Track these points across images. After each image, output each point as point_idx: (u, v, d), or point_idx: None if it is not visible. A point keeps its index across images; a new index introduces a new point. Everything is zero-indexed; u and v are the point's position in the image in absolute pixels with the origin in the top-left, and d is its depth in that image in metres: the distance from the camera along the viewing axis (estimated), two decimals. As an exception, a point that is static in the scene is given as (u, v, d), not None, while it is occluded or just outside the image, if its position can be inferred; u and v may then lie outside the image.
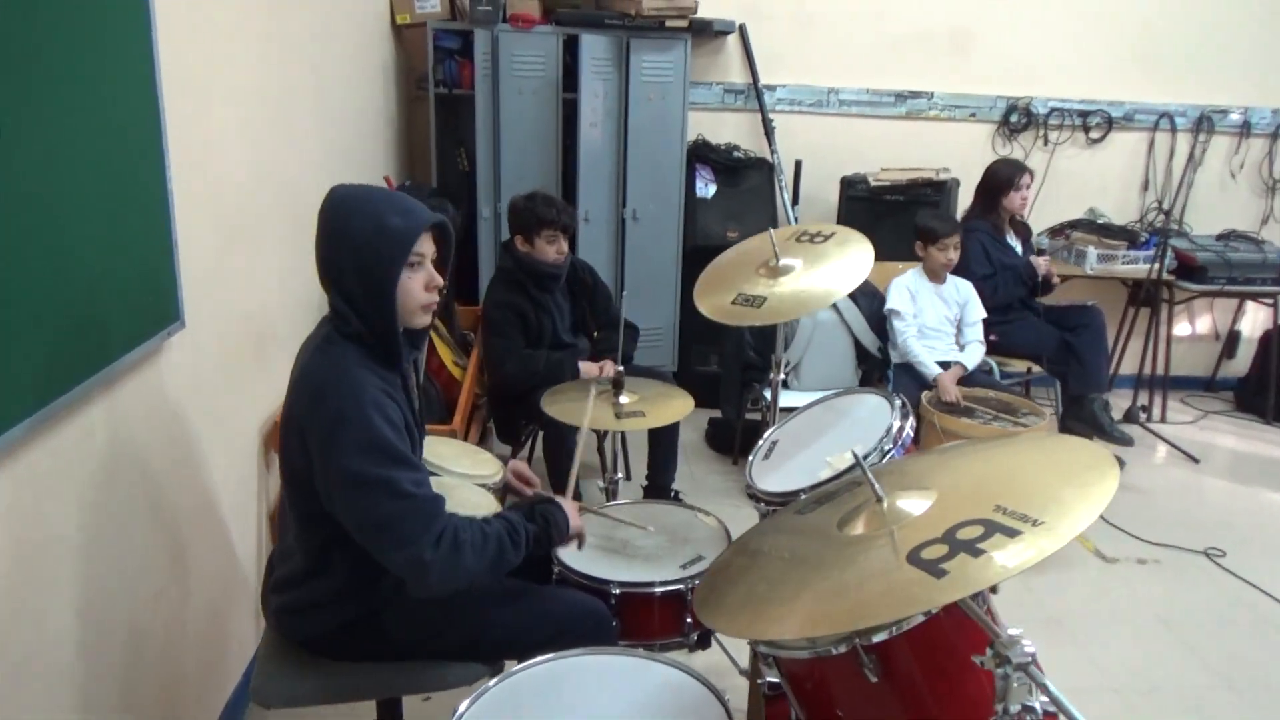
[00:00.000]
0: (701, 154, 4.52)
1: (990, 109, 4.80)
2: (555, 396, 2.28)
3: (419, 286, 1.66)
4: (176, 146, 1.81)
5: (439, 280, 1.72)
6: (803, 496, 1.58)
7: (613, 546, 1.96)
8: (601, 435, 3.43)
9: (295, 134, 2.68)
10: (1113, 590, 3.16)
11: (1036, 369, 4.13)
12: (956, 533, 1.02)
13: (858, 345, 3.76)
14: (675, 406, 2.22)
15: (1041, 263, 4.01)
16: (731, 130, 4.69)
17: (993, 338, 4.00)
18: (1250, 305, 5.07)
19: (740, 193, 4.56)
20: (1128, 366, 4.98)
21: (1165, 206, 4.94)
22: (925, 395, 3.39)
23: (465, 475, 1.82)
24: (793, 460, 1.93)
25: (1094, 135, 4.87)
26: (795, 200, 4.61)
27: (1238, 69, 4.82)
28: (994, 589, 1.62)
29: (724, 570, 1.25)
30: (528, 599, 1.73)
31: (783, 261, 2.16)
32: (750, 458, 1.98)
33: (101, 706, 1.59)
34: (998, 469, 1.17)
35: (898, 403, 1.87)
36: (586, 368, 3.22)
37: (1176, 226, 4.95)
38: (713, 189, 4.52)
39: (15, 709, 1.35)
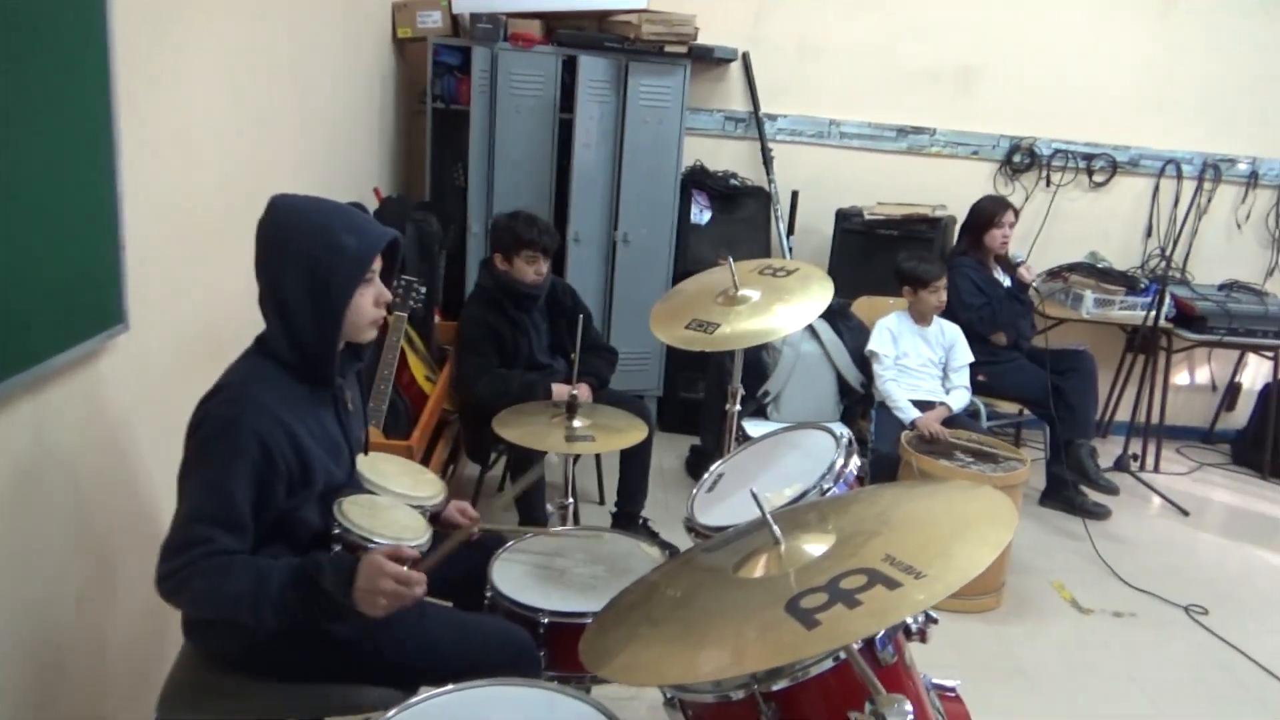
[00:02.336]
0: (698, 180, 4.51)
1: (993, 148, 4.77)
2: (509, 418, 2.26)
3: (369, 303, 1.66)
4: (133, 142, 1.80)
5: (388, 295, 1.71)
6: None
7: (549, 574, 1.93)
8: (572, 459, 3.40)
9: (276, 139, 2.68)
10: (1085, 643, 3.08)
11: (1028, 412, 4.08)
12: (841, 581, 0.98)
13: (841, 379, 3.71)
14: (628, 434, 2.19)
15: (1024, 272, 3.97)
16: (730, 158, 4.67)
17: (981, 378, 3.95)
18: (1252, 357, 4.98)
19: (735, 221, 4.54)
20: (1123, 413, 4.90)
21: (1167, 253, 4.87)
22: (905, 435, 3.35)
23: (404, 494, 1.79)
24: (736, 495, 1.90)
25: (1098, 179, 4.82)
26: (791, 231, 4.59)
27: (1247, 118, 4.76)
28: (923, 637, 1.57)
29: (616, 608, 1.21)
30: (449, 624, 1.70)
31: (741, 292, 2.13)
32: (694, 490, 1.94)
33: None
34: (902, 516, 1.13)
35: (844, 440, 1.83)
36: (559, 390, 3.19)
37: (1178, 275, 4.89)
38: (708, 215, 4.51)
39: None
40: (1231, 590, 3.51)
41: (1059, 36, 4.62)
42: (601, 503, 3.65)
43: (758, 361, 3.69)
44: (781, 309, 2.07)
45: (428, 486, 1.86)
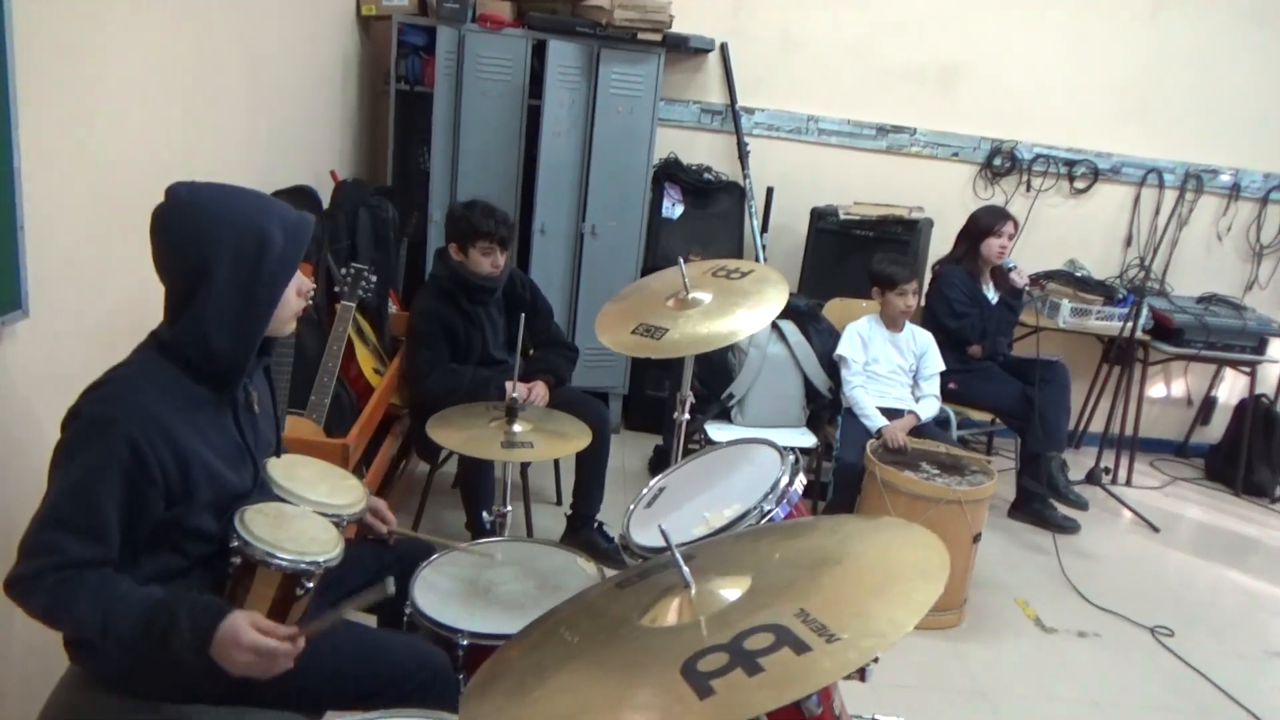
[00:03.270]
0: (671, 173, 4.38)
1: (974, 150, 4.66)
2: (446, 422, 2.13)
3: (293, 295, 1.54)
4: (36, 119, 1.66)
5: (310, 284, 1.59)
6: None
7: (474, 589, 1.81)
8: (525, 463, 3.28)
9: (216, 118, 2.54)
10: (1046, 664, 2.99)
11: (1000, 421, 3.99)
12: (745, 640, 0.86)
13: (808, 384, 3.60)
14: (571, 440, 2.07)
15: (1016, 277, 3.85)
16: (705, 151, 4.55)
17: (952, 386, 3.86)
18: (1228, 371, 4.91)
19: (708, 216, 4.42)
20: (1097, 425, 4.83)
21: (1147, 264, 4.79)
22: (870, 444, 3.24)
23: (318, 503, 1.66)
24: (676, 512, 1.78)
25: (1079, 185, 4.73)
26: (765, 228, 4.47)
27: (1231, 128, 4.68)
28: (862, 676, 1.46)
29: (508, 653, 1.09)
30: (359, 643, 1.58)
31: (693, 295, 2.01)
32: (631, 505, 1.82)
33: None
34: (822, 560, 1.01)
35: (790, 459, 1.72)
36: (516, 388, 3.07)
37: (1157, 286, 4.81)
38: (680, 210, 4.38)
39: None
40: (1199, 611, 3.44)
41: (1043, 38, 4.52)
42: (558, 503, 3.53)
43: (723, 363, 3.58)
44: (735, 313, 1.95)
45: (347, 493, 1.73)
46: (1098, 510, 4.18)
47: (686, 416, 2.24)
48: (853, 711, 1.75)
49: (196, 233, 1.45)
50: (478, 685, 1.02)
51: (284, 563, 1.46)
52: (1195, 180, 4.74)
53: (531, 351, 3.30)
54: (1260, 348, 4.52)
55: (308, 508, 1.64)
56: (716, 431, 3.43)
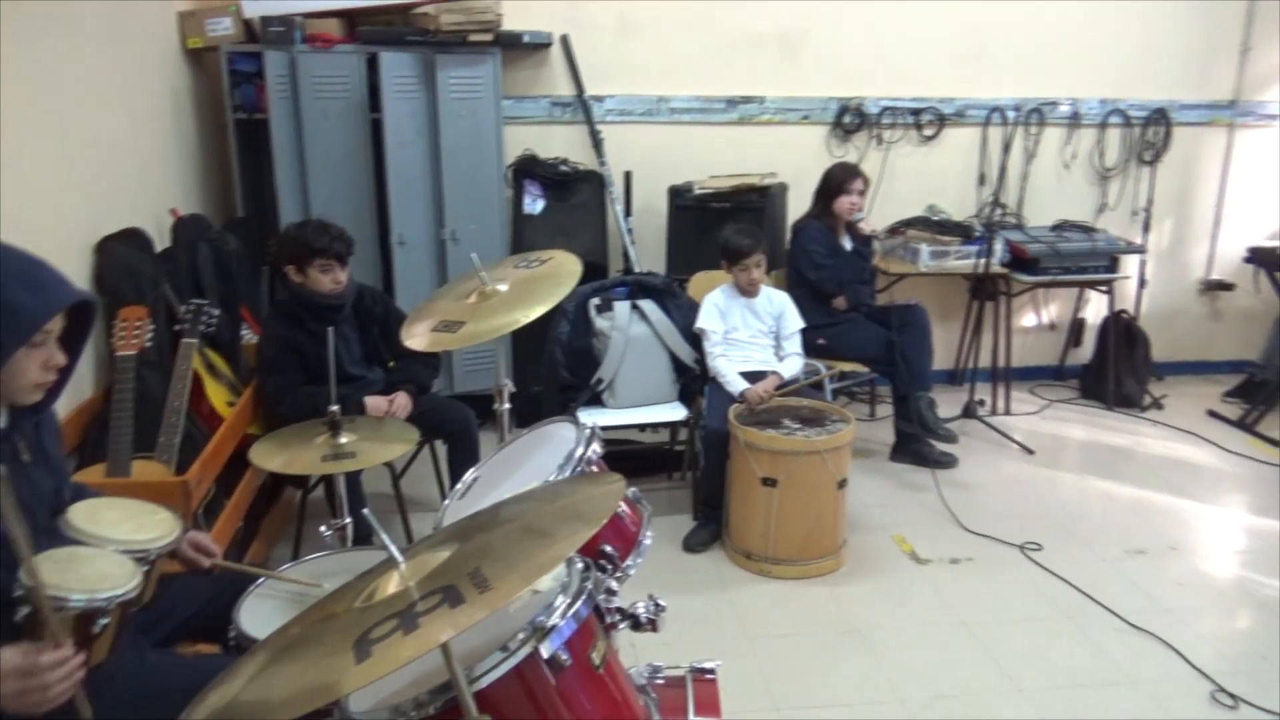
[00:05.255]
0: (529, 169, 4.42)
1: (823, 111, 4.79)
2: (267, 447, 2.15)
3: (36, 365, 1.54)
4: None
5: (60, 359, 1.58)
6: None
7: (304, 605, 1.84)
8: (396, 473, 3.31)
9: (20, 178, 2.49)
10: (920, 594, 3.13)
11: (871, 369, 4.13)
12: (419, 604, 0.92)
13: (675, 359, 3.69)
14: (395, 445, 2.11)
15: (864, 226, 4.05)
16: (562, 143, 4.60)
17: (821, 341, 3.98)
18: (1091, 293, 5.12)
19: (571, 207, 4.47)
20: (984, 361, 5.00)
21: (1000, 200, 4.98)
22: (732, 409, 3.34)
23: (120, 541, 1.68)
24: (488, 498, 1.84)
25: (927, 133, 4.89)
26: (629, 212, 4.54)
27: (1063, 61, 4.87)
28: (654, 627, 1.54)
29: (261, 649, 1.13)
30: (160, 669, 1.60)
31: (491, 287, 2.07)
32: (445, 500, 1.88)
33: None
34: (521, 517, 1.08)
35: (586, 431, 1.79)
36: (374, 403, 3.10)
37: (1014, 220, 5.00)
38: (542, 204, 4.43)
39: None
40: (1067, 523, 3.61)
41: (874, -5, 4.65)
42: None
43: (587, 350, 3.64)
44: (530, 297, 2.02)
45: (154, 528, 1.75)
46: (978, 441, 4.35)
47: (507, 406, 2.30)
48: (689, 662, 1.80)
49: None
50: (210, 688, 1.07)
51: (75, 603, 1.48)
52: (1037, 114, 4.92)
53: (392, 364, 3.33)
54: (1113, 266, 4.74)
55: (112, 547, 1.66)
56: (589, 417, 3.49)
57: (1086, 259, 4.65)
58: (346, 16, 4.03)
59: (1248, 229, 5.15)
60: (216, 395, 2.99)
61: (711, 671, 1.70)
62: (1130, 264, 4.99)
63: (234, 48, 3.89)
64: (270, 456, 2.09)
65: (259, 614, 1.82)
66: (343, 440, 2.11)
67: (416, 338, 2.05)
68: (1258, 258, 4.76)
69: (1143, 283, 5.05)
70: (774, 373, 3.54)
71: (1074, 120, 4.97)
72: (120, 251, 2.92)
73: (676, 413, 3.62)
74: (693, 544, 3.38)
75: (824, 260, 3.97)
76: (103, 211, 3.01)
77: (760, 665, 2.72)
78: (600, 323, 3.64)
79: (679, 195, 4.42)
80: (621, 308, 3.65)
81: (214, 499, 2.75)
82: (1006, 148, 4.95)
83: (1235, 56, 4.96)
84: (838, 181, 4.02)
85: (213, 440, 2.65)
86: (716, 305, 3.61)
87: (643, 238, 4.63)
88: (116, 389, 2.59)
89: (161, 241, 3.31)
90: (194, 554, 1.85)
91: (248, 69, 3.95)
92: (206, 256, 3.28)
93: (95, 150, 2.99)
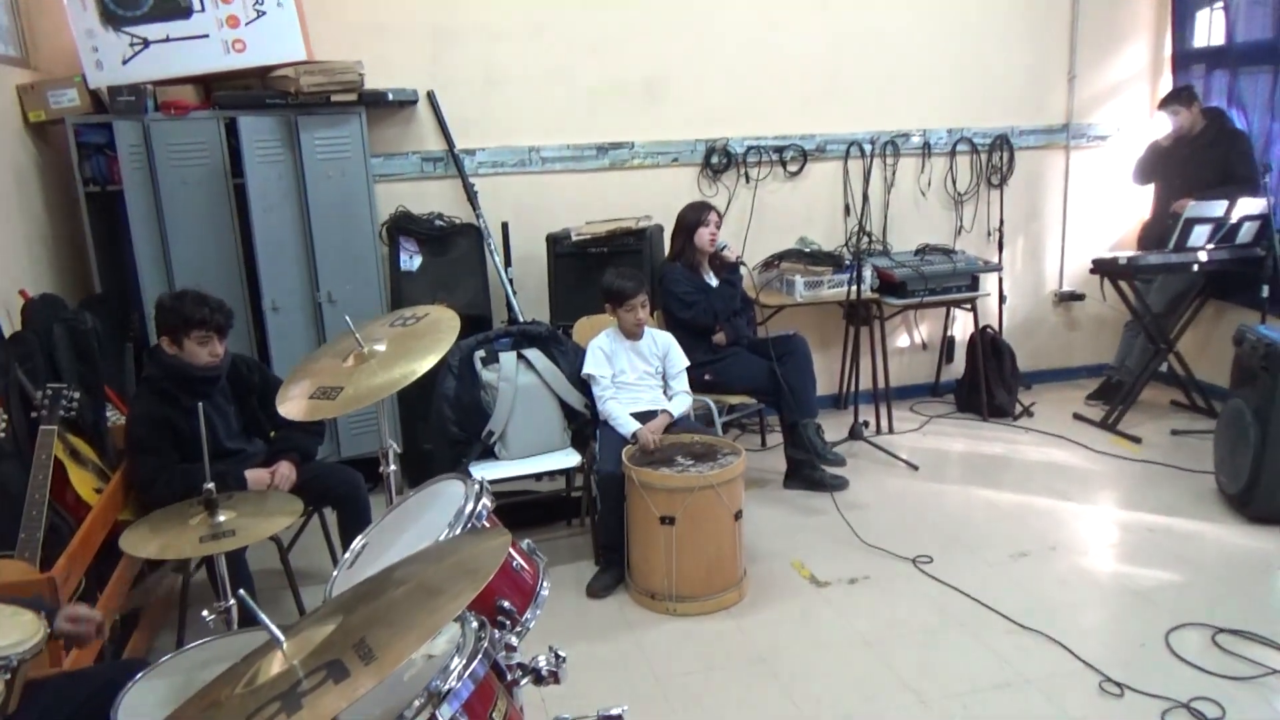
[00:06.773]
0: (403, 225, 4.38)
1: (691, 153, 4.92)
2: (139, 533, 2.04)
3: None
4: None
5: None
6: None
7: (189, 693, 1.74)
8: (284, 546, 3.19)
9: None
10: (821, 617, 3.18)
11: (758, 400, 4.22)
12: (303, 681, 0.89)
13: (564, 405, 3.69)
14: (275, 519, 2.04)
15: (728, 253, 4.18)
16: (436, 198, 4.57)
17: (707, 377, 4.05)
18: (957, 311, 5.38)
19: (449, 261, 4.44)
20: (865, 385, 5.17)
21: (866, 228, 5.20)
22: (625, 450, 3.35)
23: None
24: (376, 564, 1.79)
25: (792, 169, 5.07)
26: (509, 262, 4.55)
27: (909, 95, 5.15)
28: (556, 679, 1.52)
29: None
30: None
31: (370, 348, 2.03)
32: (335, 570, 1.82)
33: None
34: (402, 585, 1.06)
35: (475, 487, 1.77)
36: (255, 476, 2.99)
37: (880, 246, 5.22)
38: (419, 260, 4.39)
39: None
40: (955, 533, 3.74)
41: (731, 41, 4.83)
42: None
43: (476, 404, 3.61)
44: (410, 355, 1.99)
45: (15, 631, 1.64)
46: (865, 461, 4.49)
47: (393, 468, 2.26)
48: (597, 710, 1.78)
49: None
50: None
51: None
52: (891, 145, 5.18)
53: (273, 434, 3.22)
54: (974, 284, 5.00)
55: (-33, 657, 1.55)
56: (482, 470, 3.45)
57: (949, 279, 4.90)
58: (201, 82, 3.93)
59: (1091, 242, 5.53)
60: (82, 483, 2.82)
61: (619, 718, 1.69)
62: (990, 281, 5.27)
63: (81, 119, 3.73)
64: (144, 542, 1.98)
65: (140, 711, 1.72)
66: (220, 518, 2.02)
67: (293, 404, 1.99)
68: (1100, 268, 5.10)
69: (1003, 298, 5.35)
70: (664, 411, 3.59)
71: (925, 150, 5.25)
72: (-37, 339, 2.74)
73: (570, 459, 3.61)
74: (596, 589, 3.36)
75: (693, 298, 4.05)
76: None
77: (670, 706, 2.71)
78: (487, 375, 3.62)
79: (557, 243, 4.45)
80: (507, 358, 3.63)
81: (85, 592, 2.58)
82: (867, 179, 5.19)
83: (1064, 84, 5.35)
84: (693, 218, 4.13)
85: (80, 531, 2.49)
86: (602, 349, 3.63)
87: (524, 287, 4.63)
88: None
89: (11, 325, 3.14)
90: (72, 627, 1.74)
91: (98, 140, 3.79)
92: (62, 337, 3.11)
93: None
